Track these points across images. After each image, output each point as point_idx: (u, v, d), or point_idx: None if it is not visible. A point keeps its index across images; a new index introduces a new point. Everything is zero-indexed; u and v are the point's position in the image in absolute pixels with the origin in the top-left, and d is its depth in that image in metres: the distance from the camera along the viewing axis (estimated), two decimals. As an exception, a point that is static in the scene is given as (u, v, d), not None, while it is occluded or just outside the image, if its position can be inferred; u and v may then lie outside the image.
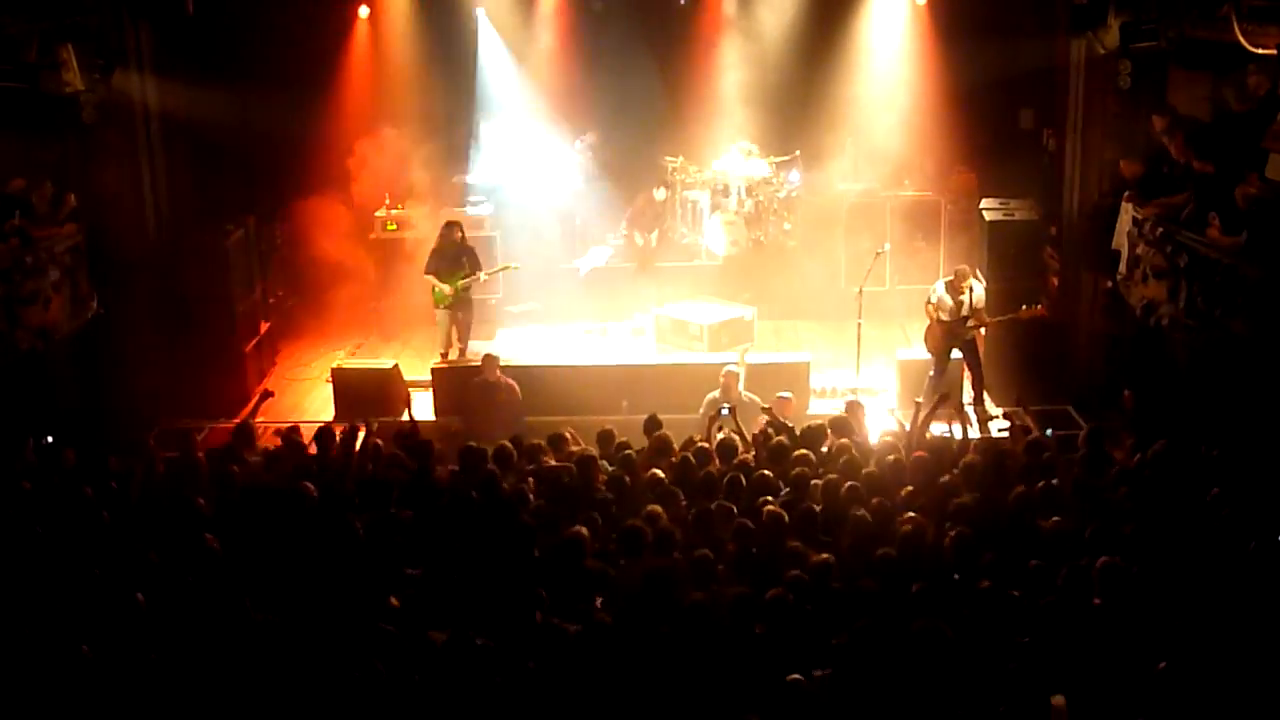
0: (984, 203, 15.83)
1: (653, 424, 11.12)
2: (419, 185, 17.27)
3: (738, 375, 12.75)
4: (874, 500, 9.14)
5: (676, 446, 10.66)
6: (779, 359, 14.66)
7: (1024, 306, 13.84)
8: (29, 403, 12.44)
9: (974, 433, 12.13)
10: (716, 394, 12.64)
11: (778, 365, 14.18)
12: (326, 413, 14.54)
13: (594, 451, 10.44)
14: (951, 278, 14.12)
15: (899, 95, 16.79)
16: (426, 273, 15.07)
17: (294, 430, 11.37)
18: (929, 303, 14.09)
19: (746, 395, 12.53)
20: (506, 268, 15.71)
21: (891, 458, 10.15)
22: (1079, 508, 9.06)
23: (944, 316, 14.00)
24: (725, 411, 11.40)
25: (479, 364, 13.76)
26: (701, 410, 12.42)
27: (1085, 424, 11.59)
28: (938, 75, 16.61)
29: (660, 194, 16.52)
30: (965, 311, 13.94)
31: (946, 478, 9.62)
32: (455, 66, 17.85)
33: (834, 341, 16.01)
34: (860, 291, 14.55)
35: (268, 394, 13.00)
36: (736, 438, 11.00)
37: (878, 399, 14.24)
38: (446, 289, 14.98)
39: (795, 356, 14.73)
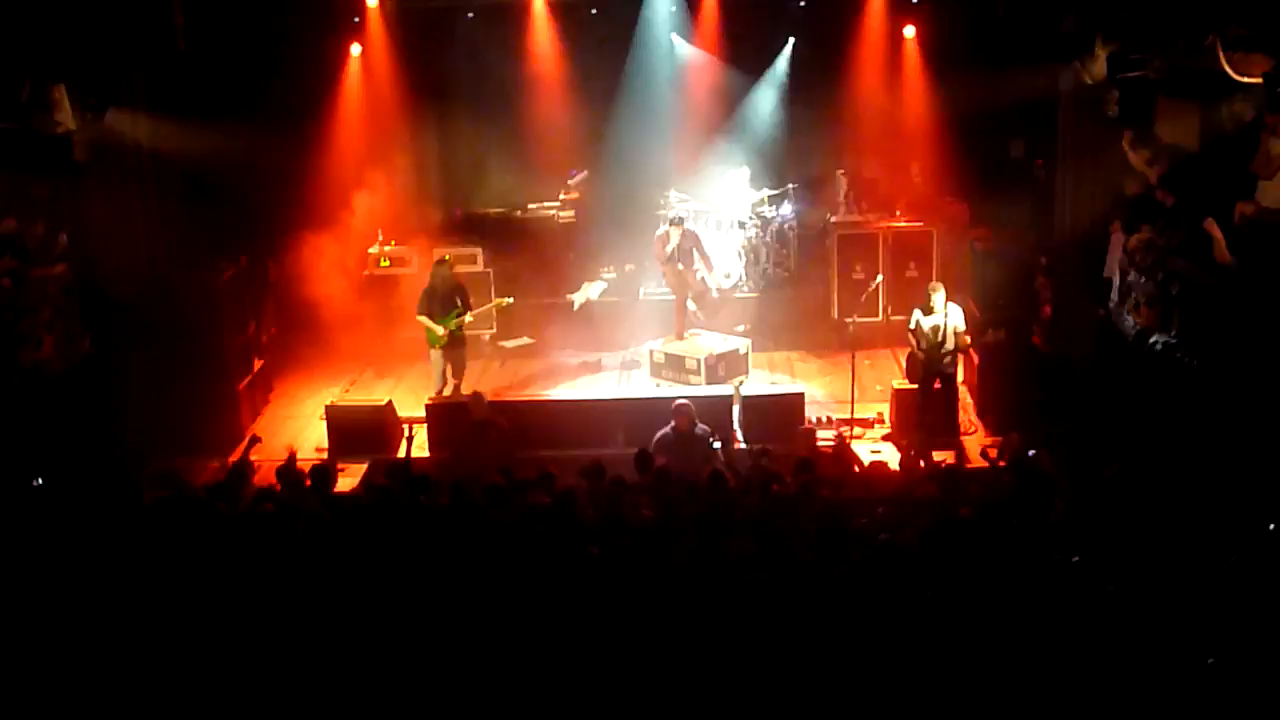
0: (975, 232, 15.85)
1: (644, 459, 11.09)
2: (413, 221, 17.27)
3: (690, 408, 12.53)
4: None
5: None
6: (773, 391, 14.63)
7: (989, 333, 13.86)
8: (20, 443, 12.35)
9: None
10: (667, 431, 12.26)
11: (771, 398, 14.13)
12: (320, 450, 14.45)
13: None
14: (932, 299, 14.07)
15: (889, 127, 16.79)
16: (419, 314, 15.03)
17: (290, 465, 11.36)
18: (909, 330, 14.10)
19: (700, 428, 12.29)
20: (500, 303, 15.68)
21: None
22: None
23: (922, 344, 13.95)
24: (716, 445, 11.35)
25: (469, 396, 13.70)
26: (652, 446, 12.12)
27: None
28: (927, 106, 16.66)
29: (673, 234, 16.28)
30: (942, 338, 13.84)
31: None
32: (449, 101, 17.86)
33: (828, 373, 16.05)
34: (854, 323, 14.54)
35: (255, 439, 12.94)
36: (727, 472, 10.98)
37: (873, 430, 14.21)
38: (439, 330, 14.94)
39: (789, 388, 14.70)
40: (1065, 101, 14.69)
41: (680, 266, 15.73)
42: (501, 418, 13.24)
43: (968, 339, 14.02)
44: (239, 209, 16.62)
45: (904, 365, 14.35)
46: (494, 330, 17.09)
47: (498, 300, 15.73)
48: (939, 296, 13.81)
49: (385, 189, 17.01)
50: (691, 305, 16.25)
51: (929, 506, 9.36)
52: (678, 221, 15.79)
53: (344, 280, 17.08)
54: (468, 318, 15.09)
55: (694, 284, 15.89)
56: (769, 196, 17.78)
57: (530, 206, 18.10)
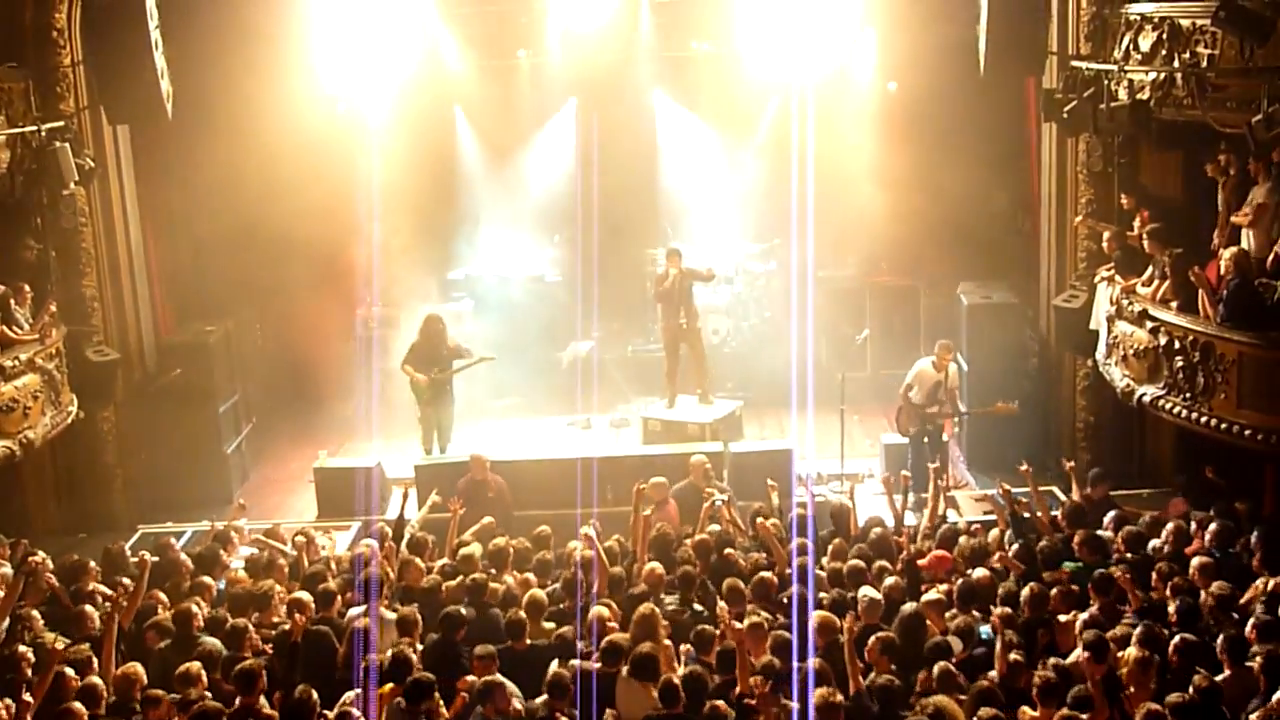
0: (961, 287, 15.87)
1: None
2: (401, 283, 17.25)
3: (703, 464, 12.62)
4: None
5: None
6: (761, 448, 14.56)
7: (999, 404, 13.83)
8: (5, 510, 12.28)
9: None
10: (683, 485, 12.47)
11: (760, 454, 14.07)
12: (309, 513, 14.38)
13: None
14: (935, 354, 14.08)
15: (873, 183, 16.85)
16: (404, 365, 14.99)
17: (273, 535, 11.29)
18: (906, 383, 14.08)
19: (716, 484, 12.46)
20: (482, 359, 15.62)
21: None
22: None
23: (917, 398, 13.94)
24: (720, 501, 11.31)
25: (466, 461, 13.60)
26: (671, 492, 12.28)
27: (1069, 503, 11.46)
28: (911, 162, 16.69)
29: (670, 272, 16.05)
30: (941, 395, 13.88)
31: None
32: (436, 164, 17.94)
33: (817, 428, 15.89)
34: (843, 378, 14.52)
35: (241, 507, 12.85)
36: (733, 529, 10.93)
37: (863, 484, 14.16)
38: (422, 378, 14.88)
39: (778, 444, 14.63)
40: (1048, 154, 14.74)
41: (681, 319, 15.63)
42: (498, 477, 13.18)
43: (955, 404, 14.06)
44: (228, 270, 16.63)
45: (895, 418, 14.32)
46: (482, 390, 16.89)
47: (479, 357, 15.64)
48: (947, 356, 13.93)
49: (375, 250, 16.92)
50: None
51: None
52: (674, 255, 15.65)
53: (333, 341, 17.05)
54: (455, 364, 15.02)
55: (689, 333, 15.81)
56: (756, 253, 17.81)
57: (519, 266, 18.13)
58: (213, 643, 9.26)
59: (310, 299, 16.97)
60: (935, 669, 8.23)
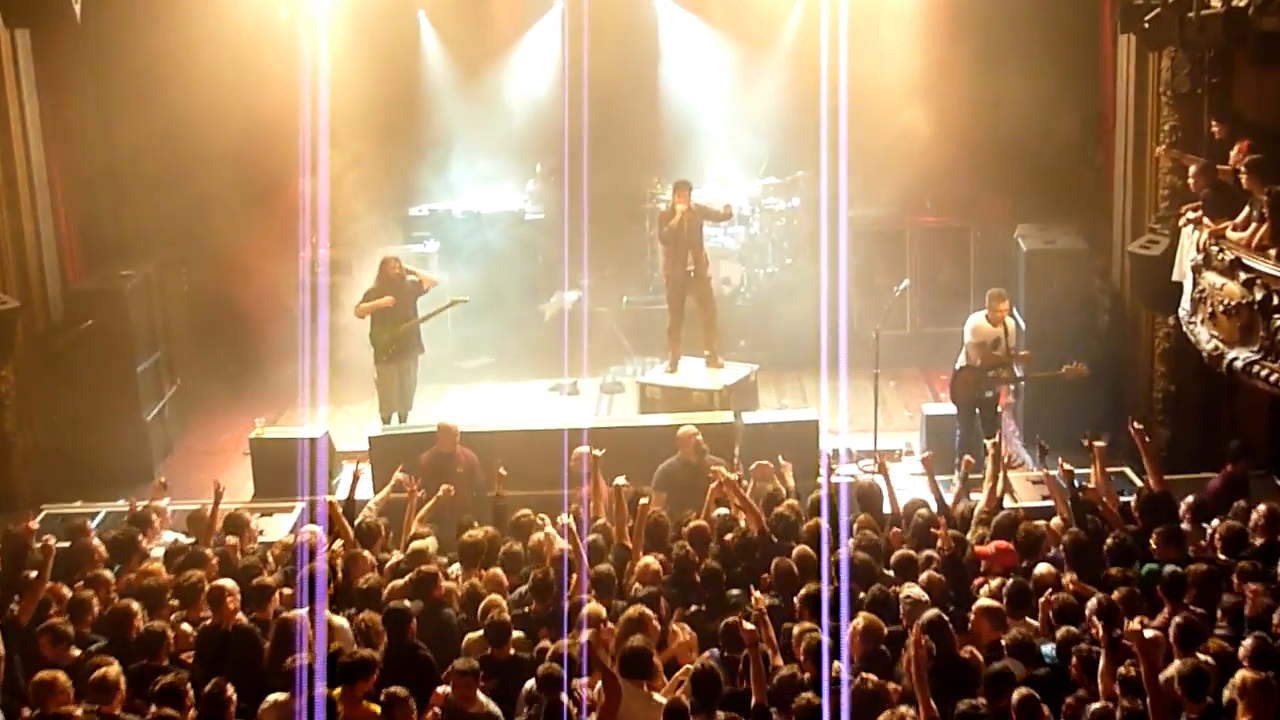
0: (1019, 229, 15.79)
1: (637, 498, 11.00)
2: (355, 220, 17.18)
3: (695, 436, 12.61)
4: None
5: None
6: (781, 419, 14.53)
7: (1064, 366, 13.74)
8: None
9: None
10: (671, 462, 12.58)
11: (780, 426, 14.03)
12: (245, 492, 14.36)
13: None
14: (989, 306, 14.00)
15: (917, 104, 16.74)
16: (359, 306, 14.93)
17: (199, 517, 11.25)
18: (970, 342, 14.03)
19: (710, 459, 12.40)
20: (454, 303, 15.56)
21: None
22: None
23: (977, 359, 13.90)
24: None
25: (431, 431, 13.57)
26: (654, 478, 12.43)
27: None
28: (962, 79, 16.58)
29: (677, 208, 15.98)
30: (1000, 352, 13.84)
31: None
32: (396, 81, 17.85)
33: (846, 396, 15.89)
34: (877, 336, 14.45)
35: (162, 486, 12.81)
36: (742, 516, 10.87)
37: (901, 464, 14.12)
38: (388, 299, 14.87)
39: (800, 415, 14.60)
40: (1125, 72, 14.61)
41: (688, 266, 15.52)
42: (469, 451, 13.15)
43: (1014, 367, 13.98)
44: (148, 205, 16.54)
45: (942, 387, 14.27)
46: (449, 348, 17.10)
47: (452, 299, 15.58)
48: (1002, 305, 13.85)
49: (323, 182, 16.78)
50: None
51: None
52: (682, 189, 15.50)
53: (272, 290, 16.99)
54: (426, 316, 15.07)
55: (698, 282, 15.73)
56: (775, 187, 17.75)
57: (494, 202, 18.09)
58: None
59: (246, 239, 16.86)
60: (1015, 698, 8.09)
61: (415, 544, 10.61)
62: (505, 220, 17.88)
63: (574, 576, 9.85)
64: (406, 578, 10.15)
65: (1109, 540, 10.15)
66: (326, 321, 16.22)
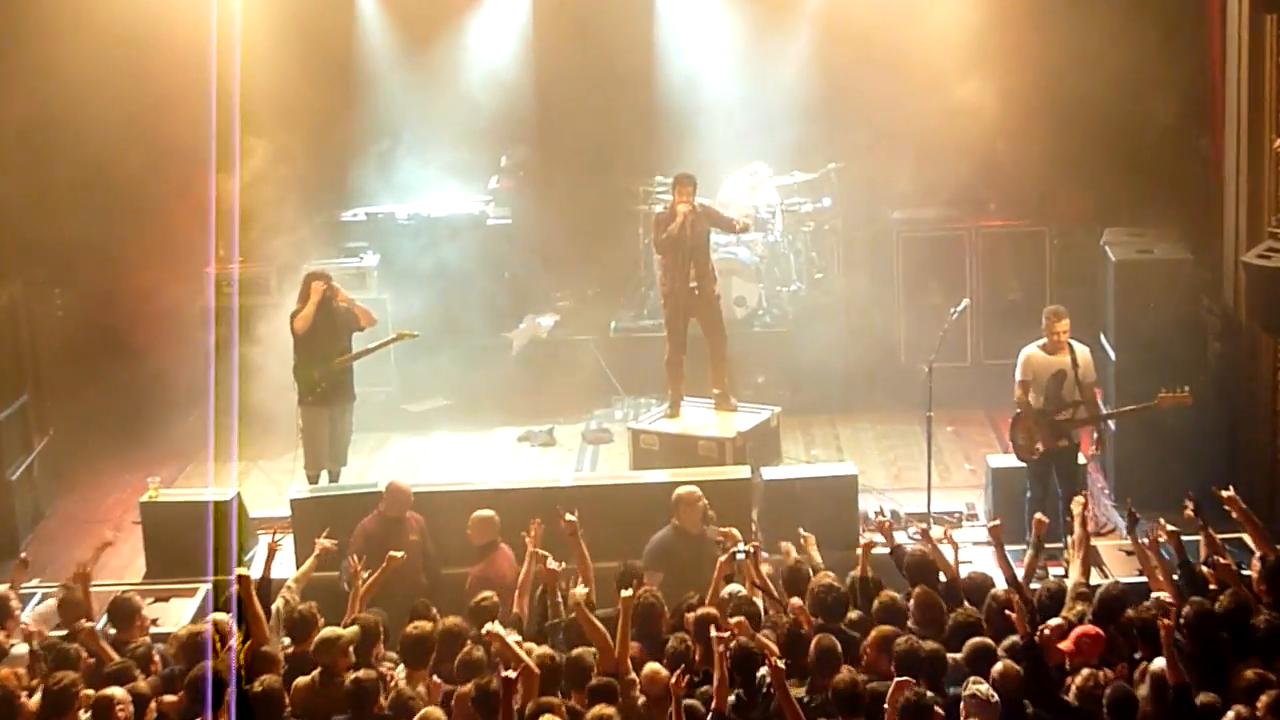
0: (1107, 234, 15.74)
1: (629, 574, 10.98)
2: (274, 228, 17.17)
3: (699, 499, 12.52)
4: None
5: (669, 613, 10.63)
6: (810, 474, 14.45)
7: (1162, 392, 13.66)
8: None
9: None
10: (666, 533, 12.47)
11: (810, 484, 13.97)
12: (134, 570, 14.30)
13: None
14: (1045, 332, 13.86)
15: (977, 78, 16.77)
16: (293, 319, 14.89)
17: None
18: (1020, 379, 13.93)
19: (712, 530, 12.30)
20: (401, 337, 15.49)
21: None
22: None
23: (1038, 400, 13.78)
24: (741, 555, 11.19)
25: (369, 494, 13.52)
26: (644, 554, 12.30)
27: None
28: (1034, 47, 16.60)
29: (679, 209, 15.88)
30: (1066, 392, 13.70)
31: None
32: (327, 60, 17.95)
33: (892, 445, 16.07)
34: (930, 370, 14.40)
35: (24, 564, 12.75)
36: (760, 597, 10.82)
37: (961, 529, 14.05)
38: (314, 371, 14.83)
39: (834, 470, 14.53)
40: (1238, 40, 14.62)
41: (691, 282, 15.48)
42: (418, 516, 13.13)
43: (1092, 404, 13.88)
44: (16, 212, 16.50)
45: (1007, 433, 14.20)
46: (393, 387, 17.05)
47: (399, 333, 15.55)
48: (1060, 326, 13.69)
49: (236, 182, 16.78)
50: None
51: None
52: (685, 186, 15.33)
53: (171, 315, 17.01)
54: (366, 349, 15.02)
55: (704, 303, 15.64)
56: (801, 184, 17.78)
57: (448, 205, 18.11)
58: None
59: (138, 253, 16.96)
60: None
61: (324, 632, 10.48)
62: (462, 226, 17.87)
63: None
64: (312, 678, 10.10)
65: (1260, 623, 10.01)
66: (238, 355, 16.26)
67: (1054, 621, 10.00)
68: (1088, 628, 10.12)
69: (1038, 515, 11.88)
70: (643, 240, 17.57)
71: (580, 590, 10.48)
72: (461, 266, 17.52)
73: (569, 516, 11.43)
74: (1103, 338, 14.95)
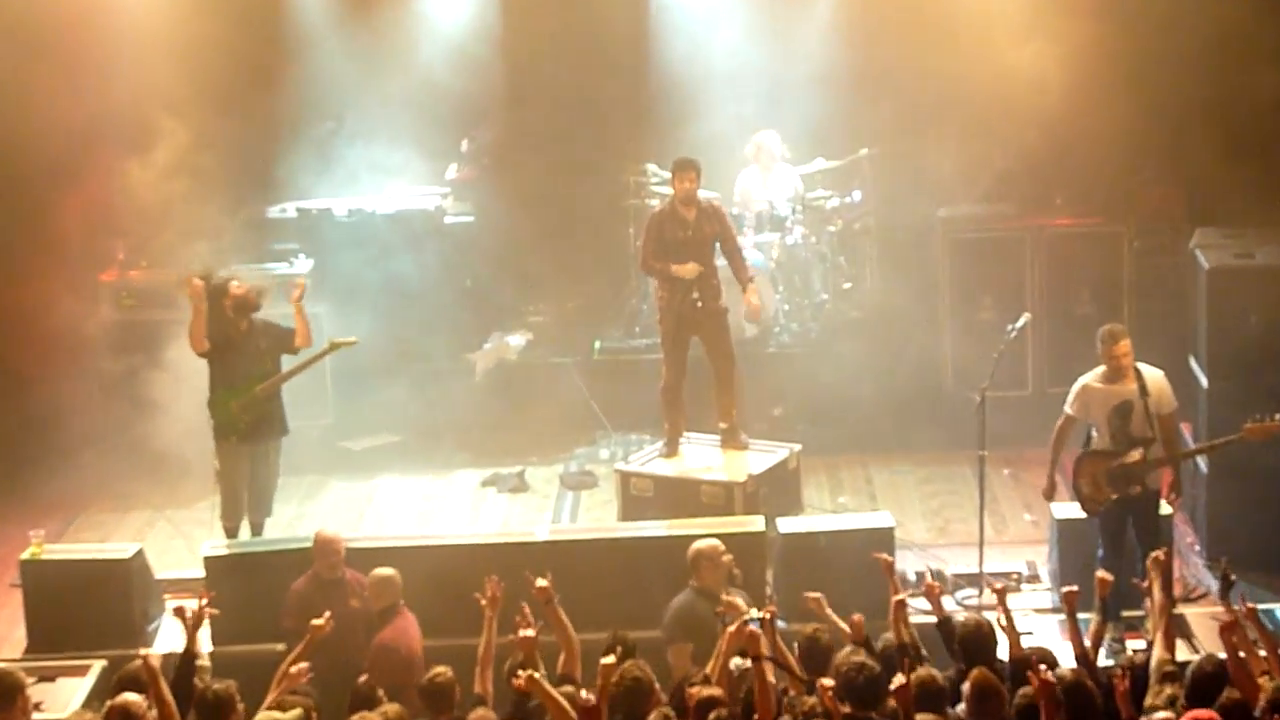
0: (1198, 236, 15.70)
1: (621, 650, 10.81)
2: (184, 228, 17.13)
3: (722, 553, 12.42)
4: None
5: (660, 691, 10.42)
6: (837, 526, 14.37)
7: (1250, 422, 13.59)
8: None
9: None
10: (687, 597, 12.34)
11: (836, 538, 13.88)
12: (14, 643, 14.18)
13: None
14: (1102, 357, 13.76)
15: (1040, 45, 16.73)
16: (198, 346, 14.77)
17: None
18: (1066, 413, 13.83)
19: (737, 594, 12.21)
20: (335, 346, 15.36)
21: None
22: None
23: (1101, 440, 13.70)
24: (754, 624, 11.11)
25: (299, 549, 13.40)
26: (664, 625, 12.25)
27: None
28: (1110, 15, 16.57)
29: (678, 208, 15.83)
30: (1136, 427, 13.60)
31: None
32: (249, 23, 17.89)
33: (936, 491, 16.09)
34: (982, 399, 14.32)
35: None
36: (772, 671, 10.70)
37: (1020, 594, 14.01)
38: (233, 401, 14.73)
39: (866, 520, 14.46)
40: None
41: (694, 294, 15.36)
42: (361, 577, 12.98)
43: (1171, 442, 13.78)
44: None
45: (1070, 477, 14.10)
46: (330, 420, 17.05)
47: (336, 340, 15.43)
48: (1119, 348, 13.59)
49: (143, 173, 16.75)
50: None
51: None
52: (686, 171, 15.19)
53: (60, 333, 17.00)
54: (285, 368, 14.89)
55: (709, 318, 15.53)
56: (826, 172, 17.81)
57: (398, 198, 18.11)
58: None
59: (21, 261, 16.99)
60: None
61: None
62: (414, 225, 17.86)
63: None
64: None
65: None
66: (140, 382, 16.21)
67: (1162, 716, 9.93)
68: (1202, 712, 10.02)
69: (1099, 573, 11.75)
70: (634, 242, 17.45)
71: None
72: (413, 273, 17.50)
73: (540, 582, 11.27)
74: (1192, 360, 14.93)
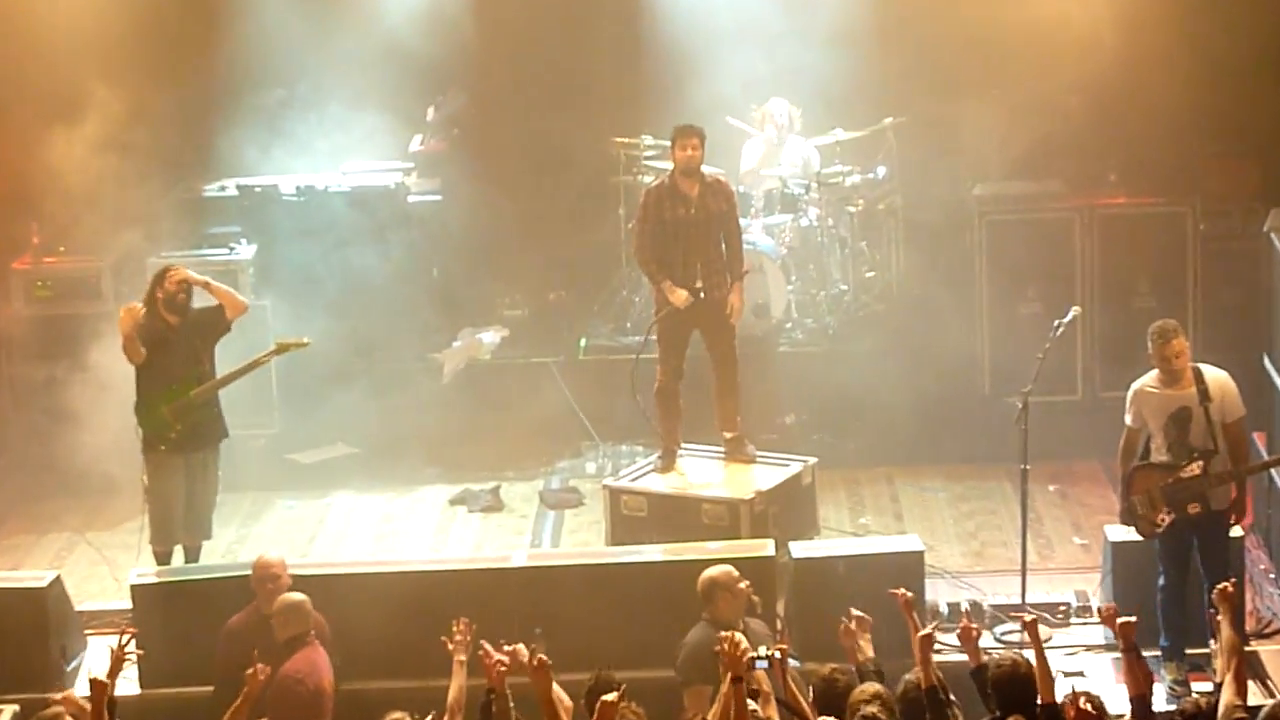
0: (1274, 217, 15.72)
1: (603, 689, 10.79)
2: (110, 209, 17.14)
3: (737, 580, 12.39)
4: None
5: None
6: (858, 550, 14.36)
7: None
8: None
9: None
10: (702, 633, 12.17)
11: (857, 563, 13.86)
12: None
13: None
14: (1153, 359, 13.74)
15: (1095, 13, 16.73)
16: (137, 361, 14.75)
17: None
18: (1127, 424, 13.81)
19: (756, 625, 12.21)
20: (283, 348, 15.34)
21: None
22: None
23: (1159, 451, 13.68)
24: (763, 663, 11.10)
25: (240, 577, 13.33)
26: (679, 665, 12.16)
27: None
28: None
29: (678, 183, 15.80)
30: (1195, 437, 13.58)
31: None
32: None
33: (972, 511, 16.06)
34: (1025, 406, 14.30)
35: None
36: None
37: (1068, 630, 14.02)
38: (164, 406, 14.70)
39: (891, 544, 14.48)
40: None
41: (696, 283, 15.34)
42: (319, 616, 12.89)
43: (1236, 453, 13.76)
44: None
45: (1123, 492, 14.09)
46: (276, 430, 17.06)
47: (284, 341, 15.40)
48: (1172, 348, 13.57)
49: (62, 149, 16.89)
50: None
51: None
52: (688, 139, 15.16)
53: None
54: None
55: (706, 310, 15.50)
56: (845, 142, 17.79)
57: (350, 173, 18.14)
58: None
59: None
60: None
61: None
62: (373, 205, 17.83)
63: None
64: None
65: None
66: (54, 380, 16.21)
67: None
68: None
69: (1120, 619, 11.69)
70: (625, 223, 17.52)
71: None
72: (372, 260, 17.53)
73: (538, 659, 11.14)
74: (1266, 360, 14.95)
